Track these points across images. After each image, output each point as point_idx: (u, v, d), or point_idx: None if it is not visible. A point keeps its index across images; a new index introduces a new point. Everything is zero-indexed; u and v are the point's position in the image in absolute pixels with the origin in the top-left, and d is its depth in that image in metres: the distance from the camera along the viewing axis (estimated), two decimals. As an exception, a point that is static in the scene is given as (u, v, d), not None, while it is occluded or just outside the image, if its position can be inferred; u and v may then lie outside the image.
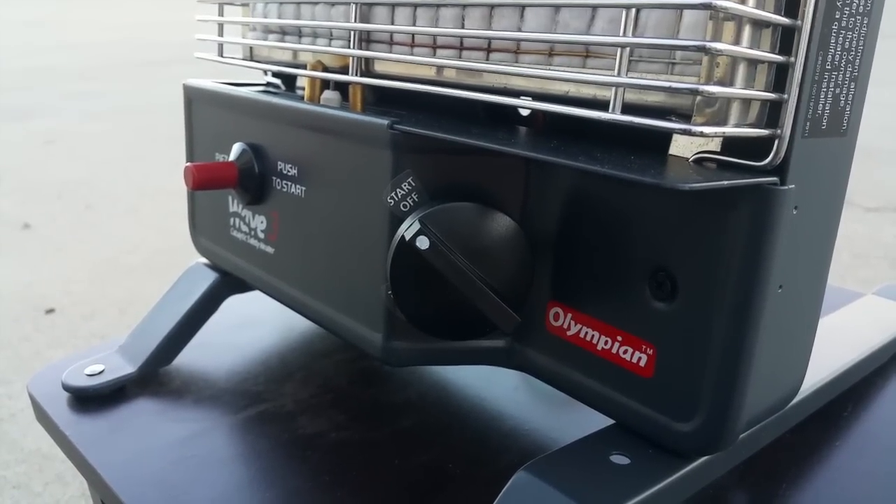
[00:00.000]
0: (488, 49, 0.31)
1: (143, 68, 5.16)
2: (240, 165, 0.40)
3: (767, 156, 0.24)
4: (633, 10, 0.24)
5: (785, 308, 0.27)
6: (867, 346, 0.41)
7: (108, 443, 0.37)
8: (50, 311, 1.65)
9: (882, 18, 0.27)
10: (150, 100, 3.91)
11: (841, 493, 0.33)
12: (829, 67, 0.25)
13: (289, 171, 0.37)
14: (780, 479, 0.33)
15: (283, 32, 0.42)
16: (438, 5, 0.32)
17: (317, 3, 0.38)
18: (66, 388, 0.40)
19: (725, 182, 0.23)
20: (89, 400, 0.40)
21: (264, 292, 0.42)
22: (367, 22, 0.35)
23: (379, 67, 0.36)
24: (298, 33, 0.41)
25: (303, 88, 0.40)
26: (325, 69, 0.38)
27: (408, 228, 0.29)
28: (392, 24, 0.34)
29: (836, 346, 0.40)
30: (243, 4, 0.44)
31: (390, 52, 0.35)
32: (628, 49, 0.24)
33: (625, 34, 0.24)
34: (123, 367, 0.42)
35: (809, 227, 0.27)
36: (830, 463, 0.35)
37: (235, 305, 0.51)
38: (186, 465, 0.35)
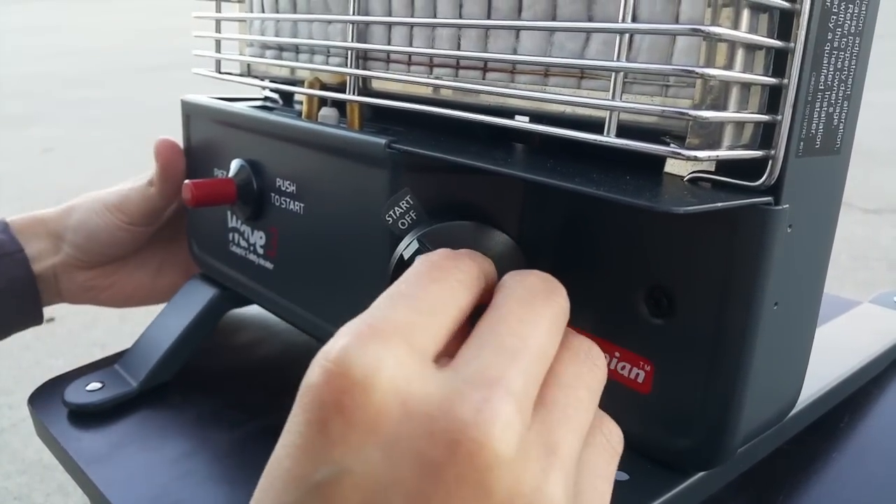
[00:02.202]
0: (485, 68, 0.32)
1: (141, 74, 5.17)
2: (238, 182, 0.40)
3: (762, 175, 0.25)
4: (627, 35, 0.24)
5: (781, 324, 0.27)
6: (863, 355, 0.41)
7: (109, 459, 0.37)
8: (50, 319, 1.65)
9: (874, 32, 0.27)
10: (149, 106, 3.91)
11: (838, 504, 0.33)
12: (822, 87, 0.25)
13: (287, 188, 0.38)
14: (777, 490, 0.33)
15: (280, 49, 0.42)
16: (435, 25, 0.32)
17: (314, 21, 0.38)
18: (67, 404, 0.40)
19: (720, 204, 0.23)
20: (90, 416, 0.40)
21: (263, 307, 0.42)
22: (364, 39, 0.35)
23: (376, 84, 0.37)
24: (296, 50, 0.41)
25: (300, 103, 0.40)
26: (323, 86, 0.38)
27: (406, 247, 0.29)
28: (389, 41, 0.35)
29: (832, 357, 0.40)
30: (240, 21, 0.44)
31: (387, 69, 0.35)
32: (622, 73, 0.24)
33: (619, 59, 0.24)
34: (123, 383, 0.42)
35: (804, 244, 0.27)
36: (827, 473, 0.35)
37: (234, 320, 0.51)
38: (187, 482, 0.35)
